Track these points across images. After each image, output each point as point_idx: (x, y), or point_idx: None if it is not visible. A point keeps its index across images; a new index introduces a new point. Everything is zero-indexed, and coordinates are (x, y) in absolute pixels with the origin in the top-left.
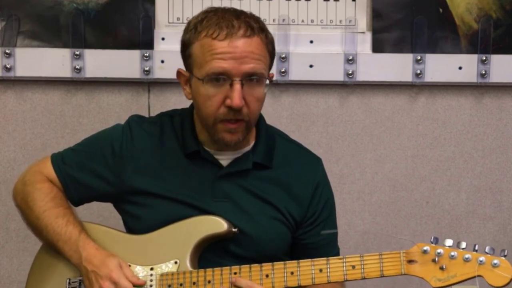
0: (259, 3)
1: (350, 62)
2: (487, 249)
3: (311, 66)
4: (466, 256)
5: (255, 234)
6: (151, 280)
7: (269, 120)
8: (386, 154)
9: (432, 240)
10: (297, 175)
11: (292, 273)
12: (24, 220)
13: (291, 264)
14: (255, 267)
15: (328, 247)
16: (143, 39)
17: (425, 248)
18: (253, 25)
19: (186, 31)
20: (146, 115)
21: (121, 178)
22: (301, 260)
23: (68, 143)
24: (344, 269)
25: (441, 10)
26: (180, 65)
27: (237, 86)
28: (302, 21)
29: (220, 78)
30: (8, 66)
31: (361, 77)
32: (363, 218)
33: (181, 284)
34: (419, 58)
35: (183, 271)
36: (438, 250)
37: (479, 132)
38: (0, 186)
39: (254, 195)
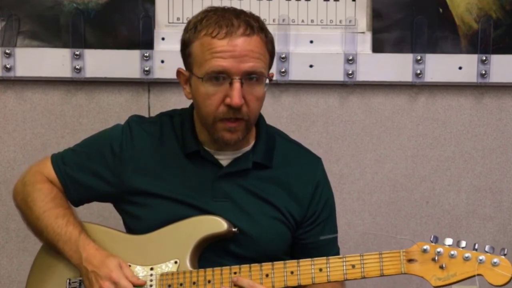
0: (259, 3)
1: (350, 62)
2: (487, 248)
3: (311, 66)
4: (466, 255)
5: (255, 234)
6: (151, 280)
7: (269, 120)
8: (386, 154)
9: (432, 239)
10: (297, 175)
11: (292, 272)
12: (24, 221)
13: (291, 264)
14: (255, 266)
15: (328, 247)
16: (143, 39)
17: (425, 247)
18: (252, 24)
19: (186, 30)
20: (146, 115)
21: (121, 178)
22: (301, 260)
23: (68, 143)
24: (344, 268)
25: (441, 10)
26: (180, 65)
27: (236, 84)
28: (302, 21)
29: (220, 76)
30: (8, 66)
31: (361, 77)
32: (363, 218)
33: (181, 284)
34: (419, 58)
35: (183, 271)
36: (438, 249)
37: (479, 132)
38: (0, 186)
39: (254, 195)
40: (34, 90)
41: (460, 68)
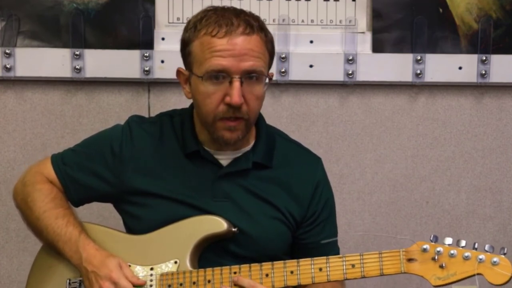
0: (259, 3)
1: (350, 62)
2: (486, 247)
3: (311, 66)
4: (466, 254)
5: (255, 234)
6: (151, 280)
7: (269, 120)
8: (386, 154)
9: (431, 238)
10: (297, 175)
11: (292, 272)
12: (24, 221)
13: (291, 263)
14: (255, 266)
15: (328, 247)
16: (143, 39)
17: (424, 246)
18: (252, 23)
19: (185, 30)
20: (146, 115)
21: (121, 178)
22: (300, 259)
23: (68, 143)
24: (344, 268)
25: (441, 10)
26: (180, 65)
27: (236, 83)
28: (302, 21)
29: (220, 75)
30: (8, 66)
31: (361, 77)
32: (363, 218)
33: (181, 284)
34: (419, 58)
35: (183, 271)
36: (438, 249)
37: (479, 132)
38: (0, 186)
39: (254, 194)
40: (34, 90)
41: (460, 68)
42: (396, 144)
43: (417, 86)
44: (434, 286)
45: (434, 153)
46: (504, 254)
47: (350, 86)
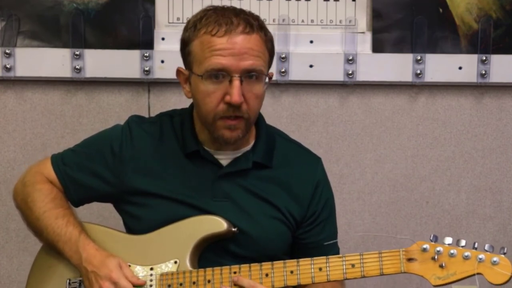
0: (259, 3)
1: (350, 62)
2: (486, 247)
3: (311, 66)
4: (466, 254)
5: (255, 233)
6: (151, 280)
7: (269, 120)
8: (386, 154)
9: (431, 238)
10: (297, 174)
11: (291, 272)
12: (24, 221)
13: (291, 263)
14: (255, 266)
15: (328, 247)
16: (143, 39)
17: (424, 246)
18: (252, 22)
19: (185, 29)
20: (146, 115)
21: (121, 178)
22: (300, 259)
23: (68, 143)
24: (344, 267)
25: (441, 10)
26: (180, 64)
27: (236, 82)
28: (302, 21)
29: (219, 74)
30: (8, 66)
31: (361, 77)
32: (363, 218)
33: (181, 284)
34: (419, 58)
35: (183, 270)
36: (438, 248)
37: (479, 132)
38: (0, 186)
39: (254, 194)
40: (34, 90)
41: (460, 68)
42: (396, 144)
43: (417, 86)
44: (434, 285)
45: (434, 153)
46: (504, 253)
47: (350, 86)
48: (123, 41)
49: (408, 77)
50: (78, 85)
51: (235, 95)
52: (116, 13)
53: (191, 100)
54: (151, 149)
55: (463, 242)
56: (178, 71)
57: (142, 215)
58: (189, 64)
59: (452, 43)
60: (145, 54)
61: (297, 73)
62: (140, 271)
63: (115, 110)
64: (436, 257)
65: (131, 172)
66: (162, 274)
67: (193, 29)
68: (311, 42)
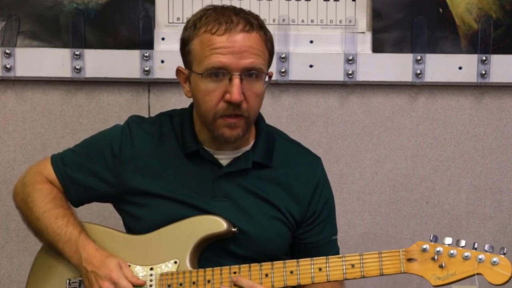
0: (259, 3)
1: (350, 62)
2: (486, 247)
3: (311, 66)
4: (466, 254)
5: (255, 233)
6: (150, 280)
7: (269, 120)
8: (386, 154)
9: (431, 238)
10: (297, 174)
11: (291, 272)
12: (24, 221)
13: (291, 263)
14: (255, 266)
15: (328, 247)
16: (143, 39)
17: (424, 246)
18: (252, 21)
19: (185, 29)
20: (146, 115)
21: (120, 178)
22: (300, 259)
23: (68, 143)
24: (344, 268)
25: (441, 10)
26: (180, 64)
27: (236, 80)
28: (302, 21)
29: (219, 73)
30: (8, 66)
31: (361, 77)
32: (363, 218)
33: (180, 284)
34: (419, 58)
35: (183, 270)
36: (438, 248)
37: (479, 132)
38: (0, 186)
39: (254, 194)
40: (34, 90)
41: (460, 68)
42: (396, 144)
43: (417, 86)
44: (434, 286)
45: (434, 153)
46: (504, 254)
47: (350, 86)
48: (123, 41)
49: (408, 77)
50: (78, 85)
51: (235, 93)
52: (116, 13)
53: (191, 100)
54: (151, 149)
55: (463, 242)
56: (178, 71)
57: (142, 215)
58: (189, 63)
59: (452, 43)
60: (145, 54)
61: (297, 73)
62: (140, 271)
63: (115, 110)
64: (436, 257)
65: (131, 172)
66: (162, 274)
67: (193, 28)
68: (311, 42)
